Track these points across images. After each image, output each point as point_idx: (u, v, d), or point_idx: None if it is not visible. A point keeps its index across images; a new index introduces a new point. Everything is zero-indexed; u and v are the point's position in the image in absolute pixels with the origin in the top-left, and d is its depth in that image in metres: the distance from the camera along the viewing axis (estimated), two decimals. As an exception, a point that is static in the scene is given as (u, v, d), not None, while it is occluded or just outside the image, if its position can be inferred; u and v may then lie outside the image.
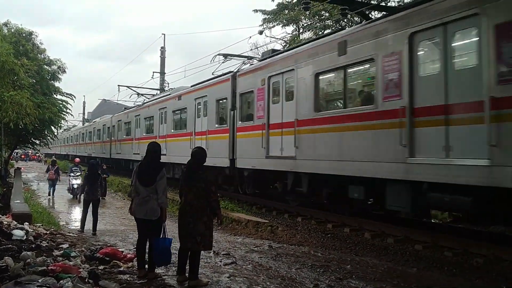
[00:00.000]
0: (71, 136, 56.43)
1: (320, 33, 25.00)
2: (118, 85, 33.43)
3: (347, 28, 12.23)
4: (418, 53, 7.92)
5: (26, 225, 8.80)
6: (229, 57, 18.37)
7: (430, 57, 7.92)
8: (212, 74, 17.68)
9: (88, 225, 10.91)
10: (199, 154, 6.09)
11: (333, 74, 10.39)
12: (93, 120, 43.03)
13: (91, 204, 11.02)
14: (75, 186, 18.98)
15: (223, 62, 18.32)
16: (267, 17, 28.25)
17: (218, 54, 18.33)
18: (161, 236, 6.09)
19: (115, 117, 32.18)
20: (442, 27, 7.40)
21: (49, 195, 20.39)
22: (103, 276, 5.88)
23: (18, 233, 7.80)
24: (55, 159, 25.59)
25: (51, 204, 18.71)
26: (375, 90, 8.74)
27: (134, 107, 28.44)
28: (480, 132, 6.70)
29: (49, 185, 20.79)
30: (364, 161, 8.80)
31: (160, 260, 6.10)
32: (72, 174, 19.70)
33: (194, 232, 5.71)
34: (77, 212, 15.08)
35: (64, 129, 57.13)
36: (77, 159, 22.48)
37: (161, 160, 6.49)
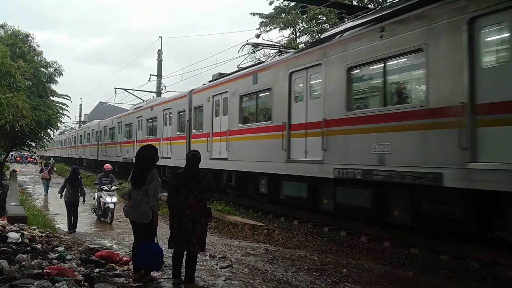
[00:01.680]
0: (88, 134, 40.66)
1: (317, 37, 25.13)
2: (115, 88, 33.39)
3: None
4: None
5: (23, 227, 8.77)
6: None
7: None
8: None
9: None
10: (197, 157, 6.10)
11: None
12: (135, 106, 27.80)
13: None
14: (111, 206, 13.77)
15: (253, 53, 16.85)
16: (264, 20, 28.36)
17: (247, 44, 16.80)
18: (155, 240, 6.09)
19: (199, 94, 17.26)
20: None
21: (44, 194, 21.91)
22: (99, 279, 5.86)
23: (13, 236, 7.75)
24: (49, 161, 26.04)
25: (46, 203, 19.37)
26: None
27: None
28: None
29: (43, 184, 22.70)
30: None
31: (145, 265, 6.02)
32: (105, 188, 14.10)
33: (191, 234, 5.72)
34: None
35: (71, 127, 55.31)
36: (108, 166, 15.09)
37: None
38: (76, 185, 12.54)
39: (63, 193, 12.60)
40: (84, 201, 13.20)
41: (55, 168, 46.85)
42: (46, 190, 22.05)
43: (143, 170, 6.18)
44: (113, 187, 14.14)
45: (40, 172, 24.41)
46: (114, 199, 13.82)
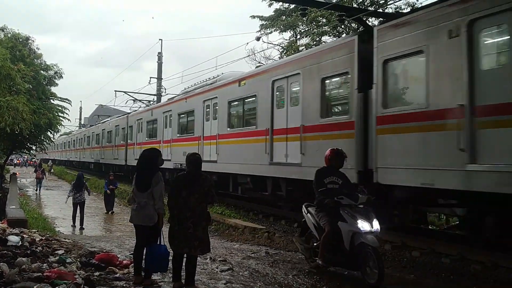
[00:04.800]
0: (149, 122, 22.79)
1: (318, 39, 25.13)
2: (115, 91, 33.53)
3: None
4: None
5: (23, 230, 8.75)
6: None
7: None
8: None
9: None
10: (199, 160, 6.10)
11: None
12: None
13: (78, 205, 14.44)
14: (370, 240, 6.17)
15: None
16: (265, 23, 28.33)
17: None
18: (158, 242, 6.08)
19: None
20: None
21: (36, 190, 26.67)
22: (99, 283, 5.84)
23: (13, 239, 7.73)
24: (45, 164, 28.24)
25: (40, 201, 22.62)
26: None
27: None
28: None
29: (36, 182, 27.18)
30: None
31: (155, 267, 6.08)
32: (344, 200, 6.57)
33: (192, 237, 5.70)
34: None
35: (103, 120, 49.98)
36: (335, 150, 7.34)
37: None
38: (82, 189, 14.64)
39: (70, 196, 14.66)
40: (89, 194, 15.86)
41: (52, 170, 47.36)
42: (39, 188, 26.78)
43: (148, 173, 6.17)
44: (360, 198, 6.65)
45: (34, 172, 29.71)
46: (376, 225, 6.34)
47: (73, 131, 57.81)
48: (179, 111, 18.78)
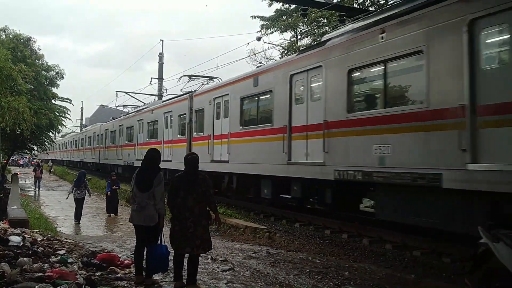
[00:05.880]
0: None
1: (318, 39, 25.09)
2: (116, 91, 33.53)
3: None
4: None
5: (24, 231, 8.76)
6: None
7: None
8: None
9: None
10: (196, 160, 6.10)
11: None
12: None
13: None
14: None
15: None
16: (265, 23, 28.32)
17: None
18: (158, 242, 6.09)
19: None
20: None
21: (35, 188, 27.80)
22: (100, 283, 5.85)
23: (15, 239, 7.74)
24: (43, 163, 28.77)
25: (38, 198, 23.59)
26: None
27: None
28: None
29: (35, 181, 28.34)
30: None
31: (156, 268, 6.09)
32: None
33: (193, 237, 5.71)
34: (73, 218, 15.03)
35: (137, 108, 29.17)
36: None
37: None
38: (81, 186, 15.36)
39: (72, 193, 15.38)
40: (90, 195, 16.28)
41: (53, 169, 47.36)
42: (38, 186, 27.88)
43: (151, 173, 6.17)
44: None
45: (33, 171, 30.84)
46: None
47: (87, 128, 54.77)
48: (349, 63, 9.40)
